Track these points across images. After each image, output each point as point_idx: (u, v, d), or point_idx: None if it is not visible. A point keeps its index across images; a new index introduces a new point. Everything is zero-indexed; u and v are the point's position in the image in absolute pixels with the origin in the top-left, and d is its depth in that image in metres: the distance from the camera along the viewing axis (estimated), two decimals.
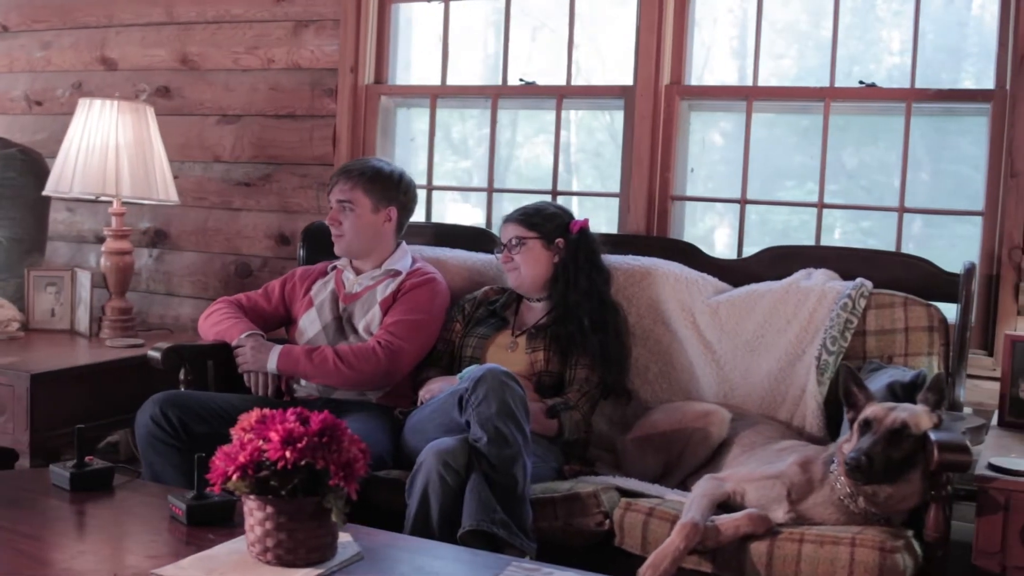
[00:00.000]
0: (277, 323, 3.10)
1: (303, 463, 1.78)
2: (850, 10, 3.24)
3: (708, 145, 3.49)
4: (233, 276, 3.96)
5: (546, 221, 2.91)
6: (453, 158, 3.94)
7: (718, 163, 3.43)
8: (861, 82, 3.12)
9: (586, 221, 2.95)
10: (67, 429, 2.74)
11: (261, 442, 1.80)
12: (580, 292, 2.85)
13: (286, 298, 3.09)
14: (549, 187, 3.52)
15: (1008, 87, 2.90)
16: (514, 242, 2.89)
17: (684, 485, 2.56)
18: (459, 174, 3.90)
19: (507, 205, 3.67)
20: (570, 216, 2.96)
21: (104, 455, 3.51)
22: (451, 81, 3.72)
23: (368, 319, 2.93)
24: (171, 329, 3.94)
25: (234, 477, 1.79)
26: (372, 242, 3.01)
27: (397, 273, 3.00)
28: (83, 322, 3.54)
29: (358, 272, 3.04)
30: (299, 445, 1.78)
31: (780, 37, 3.42)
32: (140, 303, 4.07)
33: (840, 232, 3.35)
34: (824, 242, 3.19)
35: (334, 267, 3.10)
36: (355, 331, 2.94)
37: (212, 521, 2.05)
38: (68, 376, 3.04)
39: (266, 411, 1.85)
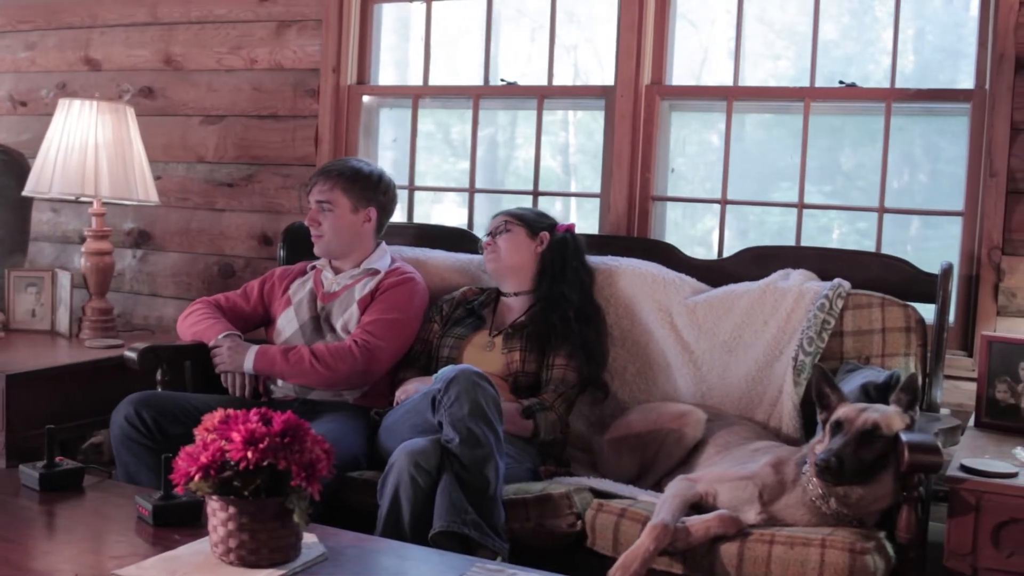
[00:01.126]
0: (256, 323, 3.09)
1: (265, 463, 1.77)
2: (848, 11, 3.23)
3: (705, 146, 3.48)
4: (216, 277, 3.95)
5: (533, 216, 3.01)
6: (452, 159, 3.93)
7: (715, 164, 3.42)
8: (841, 82, 3.11)
9: (572, 225, 3.02)
10: (44, 430, 2.73)
11: (224, 442, 1.79)
12: (568, 284, 2.89)
13: (265, 298, 3.08)
14: (531, 188, 3.52)
15: (988, 87, 2.89)
16: (500, 228, 2.94)
17: (659, 486, 2.54)
18: (458, 175, 3.89)
19: (505, 207, 3.66)
20: (557, 222, 3.04)
21: (88, 456, 3.50)
22: (448, 81, 3.71)
23: (346, 318, 2.92)
24: (153, 330, 3.93)
25: (196, 477, 1.79)
26: (351, 242, 3.01)
27: (376, 272, 3.00)
28: (63, 322, 3.53)
29: (337, 271, 3.03)
30: (261, 445, 1.77)
31: (779, 38, 3.41)
32: (124, 304, 4.07)
33: (838, 233, 3.34)
34: (822, 243, 3.18)
35: (313, 267, 3.09)
36: (333, 330, 2.93)
37: (178, 522, 2.04)
38: (45, 376, 3.03)
39: (230, 411, 1.85)
